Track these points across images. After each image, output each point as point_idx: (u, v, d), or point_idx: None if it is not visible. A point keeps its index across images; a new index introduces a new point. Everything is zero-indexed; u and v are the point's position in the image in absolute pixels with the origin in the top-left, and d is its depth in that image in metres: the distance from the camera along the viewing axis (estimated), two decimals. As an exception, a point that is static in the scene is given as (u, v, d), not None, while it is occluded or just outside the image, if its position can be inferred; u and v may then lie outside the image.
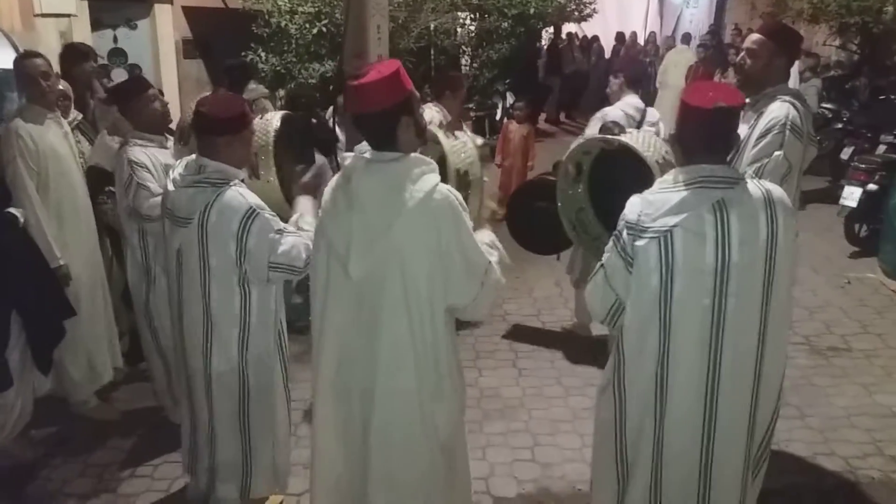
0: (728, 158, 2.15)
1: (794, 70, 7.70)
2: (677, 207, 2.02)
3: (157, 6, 8.68)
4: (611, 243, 2.16)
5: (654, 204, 2.06)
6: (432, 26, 8.75)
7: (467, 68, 9.82)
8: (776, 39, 2.98)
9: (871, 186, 5.99)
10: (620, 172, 2.87)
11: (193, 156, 2.64)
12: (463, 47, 9.81)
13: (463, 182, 2.46)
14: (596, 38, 13.99)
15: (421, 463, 2.22)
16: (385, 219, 2.05)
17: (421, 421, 2.17)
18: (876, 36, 9.39)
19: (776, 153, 2.79)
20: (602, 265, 2.18)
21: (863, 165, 6.23)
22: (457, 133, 2.53)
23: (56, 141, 3.50)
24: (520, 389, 4.07)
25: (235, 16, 8.15)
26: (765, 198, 2.05)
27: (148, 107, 3.35)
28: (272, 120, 2.94)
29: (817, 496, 3.18)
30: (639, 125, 4.41)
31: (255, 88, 5.54)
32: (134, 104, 3.34)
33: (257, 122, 2.91)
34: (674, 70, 10.35)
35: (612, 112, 4.48)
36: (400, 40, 8.01)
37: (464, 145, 2.61)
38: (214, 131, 2.56)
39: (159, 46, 8.84)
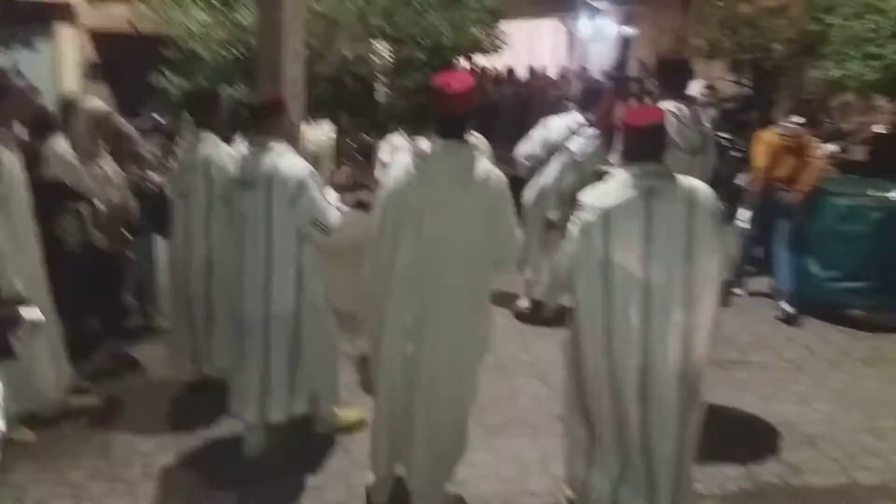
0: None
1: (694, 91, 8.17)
2: (616, 193, 2.70)
3: (59, 28, 8.40)
4: (573, 222, 2.80)
5: (602, 191, 2.76)
6: (348, 54, 8.78)
7: (384, 97, 9.88)
8: (659, 73, 4.26)
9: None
10: None
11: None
12: (379, 75, 9.87)
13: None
14: (511, 70, 14.34)
15: (469, 362, 2.97)
16: (456, 191, 2.74)
17: (470, 332, 2.90)
18: (766, 72, 10.00)
19: None
20: (568, 240, 2.83)
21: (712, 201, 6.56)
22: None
23: (15, 164, 3.41)
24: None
25: (143, 39, 7.98)
26: (687, 188, 2.70)
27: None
28: (326, 129, 3.96)
29: (719, 503, 3.31)
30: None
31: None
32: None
33: (314, 129, 3.84)
34: None
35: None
36: (315, 66, 8.01)
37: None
38: (266, 113, 3.38)
39: (61, 69, 8.54)
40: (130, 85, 6.70)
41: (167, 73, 7.70)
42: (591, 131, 5.15)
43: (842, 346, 4.98)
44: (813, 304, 5.53)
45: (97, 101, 4.37)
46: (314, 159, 3.58)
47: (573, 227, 2.80)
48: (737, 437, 3.79)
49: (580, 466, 2.98)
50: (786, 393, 4.33)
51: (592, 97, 5.30)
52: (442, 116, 2.81)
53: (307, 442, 3.71)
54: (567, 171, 5.10)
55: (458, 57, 11.69)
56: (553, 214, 4.68)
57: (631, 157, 2.78)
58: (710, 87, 8.84)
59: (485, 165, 2.78)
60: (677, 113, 3.98)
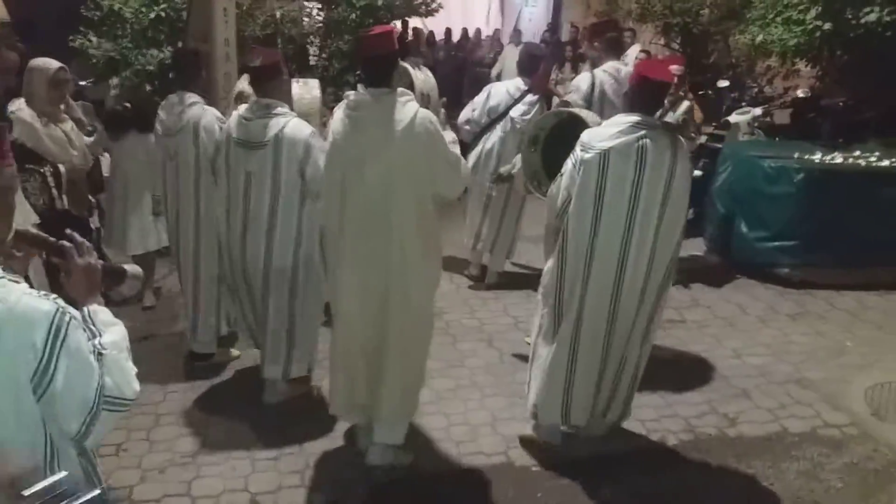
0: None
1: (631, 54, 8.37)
2: (614, 137, 2.99)
3: (-36, -17, 7.83)
4: (570, 159, 3.07)
5: (601, 133, 3.05)
6: (278, 14, 8.51)
7: (316, 59, 9.65)
8: (594, 36, 5.04)
9: (696, 172, 6.52)
10: (569, 140, 3.46)
11: (248, 102, 3.46)
12: (311, 37, 9.62)
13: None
14: (449, 31, 14.23)
15: (427, 306, 3.15)
16: (387, 136, 2.82)
17: (424, 268, 3.03)
18: (695, 36, 10.20)
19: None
20: (562, 175, 3.10)
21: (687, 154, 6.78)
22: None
23: None
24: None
25: (60, -3, 7.53)
26: (672, 141, 3.03)
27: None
28: (313, 87, 4.06)
29: (663, 455, 3.45)
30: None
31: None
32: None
33: (301, 87, 3.86)
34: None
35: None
36: (245, 27, 7.74)
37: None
38: (267, 76, 3.38)
39: (-31, 29, 7.97)
40: (48, 47, 6.31)
41: (87, 33, 7.28)
42: (532, 98, 5.17)
43: (771, 303, 5.20)
44: (743, 263, 5.75)
45: (47, 59, 4.08)
46: (303, 118, 3.55)
47: (569, 163, 3.08)
48: (676, 392, 3.94)
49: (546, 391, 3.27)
50: (721, 349, 4.51)
51: (534, 62, 5.30)
52: (365, 62, 3.01)
53: (260, 413, 3.69)
54: (509, 137, 5.12)
55: (392, 18, 11.51)
56: (505, 169, 4.71)
57: (632, 105, 3.08)
58: (646, 52, 8.97)
59: (411, 108, 2.86)
60: (616, 74, 4.59)
